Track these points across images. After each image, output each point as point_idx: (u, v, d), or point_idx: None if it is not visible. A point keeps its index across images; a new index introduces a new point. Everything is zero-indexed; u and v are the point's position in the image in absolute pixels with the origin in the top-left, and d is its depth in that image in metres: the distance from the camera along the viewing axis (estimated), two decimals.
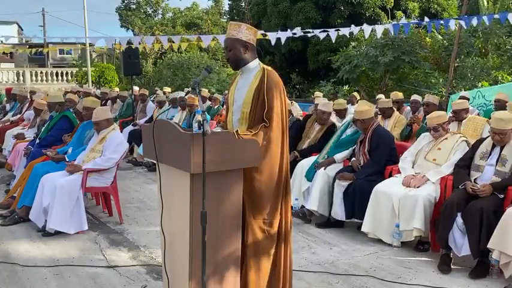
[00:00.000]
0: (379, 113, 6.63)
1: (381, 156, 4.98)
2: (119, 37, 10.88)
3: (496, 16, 9.88)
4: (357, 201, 4.77)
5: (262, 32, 11.03)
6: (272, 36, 10.83)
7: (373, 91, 15.61)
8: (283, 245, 3.01)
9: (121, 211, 5.33)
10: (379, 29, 10.70)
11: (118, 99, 11.16)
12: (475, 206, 3.87)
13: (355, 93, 11.38)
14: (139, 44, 10.80)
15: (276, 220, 2.94)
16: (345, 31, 10.79)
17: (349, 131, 5.57)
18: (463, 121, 5.62)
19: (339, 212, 4.99)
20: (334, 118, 6.70)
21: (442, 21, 11.61)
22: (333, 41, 11.20)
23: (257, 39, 3.13)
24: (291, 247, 3.10)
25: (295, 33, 10.86)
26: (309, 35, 10.87)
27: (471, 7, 17.61)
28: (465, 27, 10.88)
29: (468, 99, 7.93)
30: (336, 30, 10.81)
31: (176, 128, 2.77)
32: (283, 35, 10.90)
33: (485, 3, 15.26)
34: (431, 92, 11.66)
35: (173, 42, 13.20)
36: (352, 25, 11.14)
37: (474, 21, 9.81)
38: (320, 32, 10.78)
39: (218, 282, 2.78)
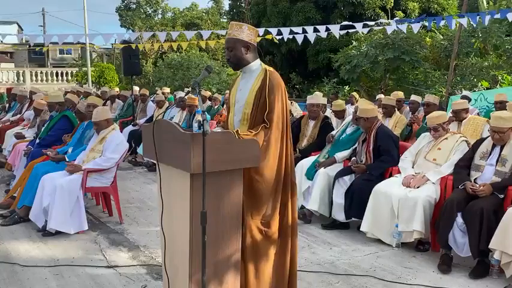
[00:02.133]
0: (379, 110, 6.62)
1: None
2: (117, 33, 10.84)
3: (497, 16, 9.86)
4: (355, 201, 4.77)
5: (266, 29, 11.00)
6: (274, 33, 10.81)
7: (373, 91, 15.60)
8: (289, 249, 3.00)
9: (121, 211, 5.33)
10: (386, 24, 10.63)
11: (117, 99, 11.16)
12: (475, 206, 3.87)
13: (355, 93, 11.37)
14: (139, 44, 10.76)
15: (274, 221, 2.92)
16: (348, 28, 10.80)
17: (348, 130, 5.57)
18: (463, 121, 5.61)
19: (338, 212, 4.99)
20: (333, 119, 6.70)
21: (444, 20, 11.57)
22: (337, 38, 11.12)
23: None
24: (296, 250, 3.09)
25: (297, 32, 10.84)
26: (310, 34, 10.83)
27: (471, 7, 17.59)
28: (465, 26, 10.85)
29: (470, 99, 7.93)
30: (341, 26, 10.81)
31: (176, 128, 2.77)
32: (285, 31, 10.87)
33: (485, 3, 15.24)
34: (431, 92, 11.65)
35: (173, 41, 13.19)
36: (349, 23, 11.14)
37: (475, 20, 9.79)
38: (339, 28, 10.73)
39: (218, 282, 2.78)
